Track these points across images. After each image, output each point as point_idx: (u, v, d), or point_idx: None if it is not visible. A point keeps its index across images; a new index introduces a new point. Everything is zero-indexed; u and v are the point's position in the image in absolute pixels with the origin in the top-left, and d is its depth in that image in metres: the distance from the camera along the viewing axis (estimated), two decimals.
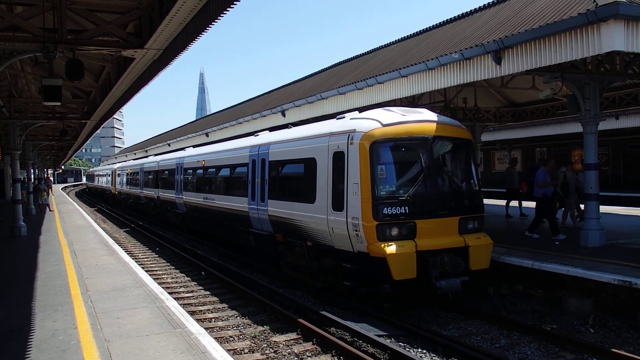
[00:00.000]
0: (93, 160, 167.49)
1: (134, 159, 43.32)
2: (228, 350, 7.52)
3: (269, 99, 26.94)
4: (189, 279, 13.81)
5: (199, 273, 14.35)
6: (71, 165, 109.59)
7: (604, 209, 14.08)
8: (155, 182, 27.30)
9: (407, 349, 8.19)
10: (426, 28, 17.89)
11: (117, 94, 15.41)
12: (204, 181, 19.52)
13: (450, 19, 16.62)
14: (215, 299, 11.65)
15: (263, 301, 10.79)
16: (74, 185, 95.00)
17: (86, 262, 12.77)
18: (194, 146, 28.98)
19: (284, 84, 29.43)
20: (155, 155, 36.88)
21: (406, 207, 9.71)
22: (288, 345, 8.47)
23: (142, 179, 30.96)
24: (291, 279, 12.74)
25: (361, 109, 12.06)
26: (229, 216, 16.39)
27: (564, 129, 31.20)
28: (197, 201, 19.75)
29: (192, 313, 9.82)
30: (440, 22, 17.16)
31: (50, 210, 29.57)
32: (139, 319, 7.86)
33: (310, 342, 8.55)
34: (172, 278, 14.03)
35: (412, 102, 17.79)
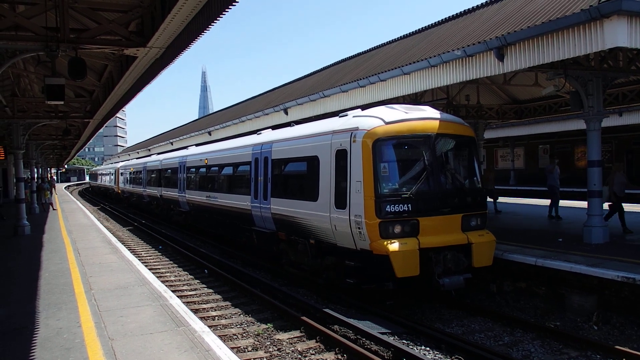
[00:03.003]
0: (96, 159, 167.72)
1: (137, 158, 43.40)
2: (232, 348, 7.53)
3: (272, 97, 26.92)
4: (192, 277, 13.84)
5: (202, 271, 14.37)
6: (74, 164, 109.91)
7: (606, 205, 14.04)
8: (158, 181, 27.34)
9: (411, 347, 8.19)
10: (428, 25, 17.84)
11: (119, 93, 15.43)
12: (206, 180, 19.55)
13: (452, 16, 16.57)
14: (218, 297, 11.66)
15: (266, 299, 10.81)
16: (77, 184, 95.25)
17: (90, 260, 12.80)
18: (197, 145, 28.99)
19: (287, 82, 29.46)
20: (158, 154, 36.90)
21: (409, 205, 9.70)
22: (291, 343, 8.49)
23: (145, 178, 31.01)
24: (294, 276, 12.75)
25: (364, 107, 12.05)
26: (231, 214, 16.41)
27: (567, 126, 31.15)
28: (200, 199, 19.78)
29: (195, 311, 9.84)
30: (442, 19, 17.11)
31: (53, 209, 29.65)
32: (142, 317, 7.87)
33: (314, 340, 8.56)
34: (176, 276, 14.05)
35: (414, 99, 17.74)
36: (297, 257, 12.53)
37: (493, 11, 13.55)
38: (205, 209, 19.50)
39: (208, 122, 35.88)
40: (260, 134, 15.92)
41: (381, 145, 9.90)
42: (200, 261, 15.32)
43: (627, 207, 14.53)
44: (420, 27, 18.51)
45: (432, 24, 17.62)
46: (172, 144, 38.46)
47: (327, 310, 9.64)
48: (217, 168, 18.30)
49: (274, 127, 17.54)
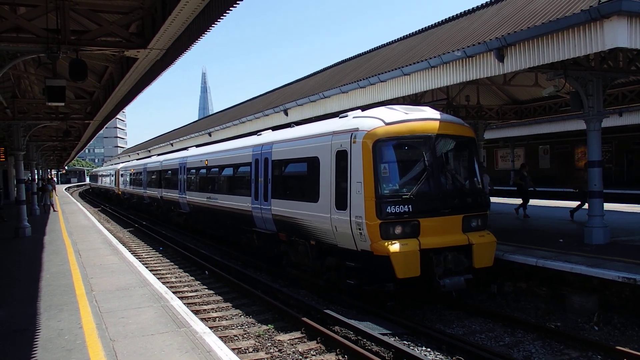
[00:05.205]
0: (96, 160, 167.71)
1: (137, 159, 43.42)
2: (233, 349, 7.53)
3: (272, 98, 26.94)
4: (192, 278, 13.84)
5: (203, 272, 14.37)
6: (74, 165, 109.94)
7: (607, 206, 13.97)
8: (158, 182, 27.35)
9: (412, 348, 8.19)
10: (428, 26, 17.85)
11: (120, 94, 15.46)
12: (207, 181, 19.55)
13: (452, 17, 16.58)
14: (219, 298, 11.67)
15: (267, 300, 10.81)
16: (77, 186, 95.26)
17: (90, 262, 12.81)
18: (197, 146, 29.02)
19: (287, 83, 29.43)
20: (158, 155, 36.94)
21: (409, 206, 9.70)
22: (292, 344, 8.49)
23: (145, 179, 31.03)
24: (294, 278, 12.75)
25: (364, 108, 12.06)
26: (232, 215, 16.42)
27: (567, 126, 31.17)
28: (200, 201, 19.79)
29: (196, 312, 9.84)
30: (442, 20, 17.13)
31: (54, 211, 29.68)
32: (143, 318, 7.88)
33: (315, 341, 8.57)
34: (176, 277, 14.06)
35: (414, 100, 17.76)
36: (297, 258, 12.53)
37: (493, 12, 13.57)
38: (205, 210, 19.50)
39: (208, 123, 35.90)
40: (260, 135, 15.93)
41: (381, 146, 9.91)
42: (200, 262, 15.32)
43: (627, 207, 14.50)
44: (420, 28, 18.55)
45: (432, 25, 17.64)
46: (172, 145, 38.49)
47: (327, 311, 9.64)
48: (217, 169, 18.30)
49: (274, 128, 17.55)
